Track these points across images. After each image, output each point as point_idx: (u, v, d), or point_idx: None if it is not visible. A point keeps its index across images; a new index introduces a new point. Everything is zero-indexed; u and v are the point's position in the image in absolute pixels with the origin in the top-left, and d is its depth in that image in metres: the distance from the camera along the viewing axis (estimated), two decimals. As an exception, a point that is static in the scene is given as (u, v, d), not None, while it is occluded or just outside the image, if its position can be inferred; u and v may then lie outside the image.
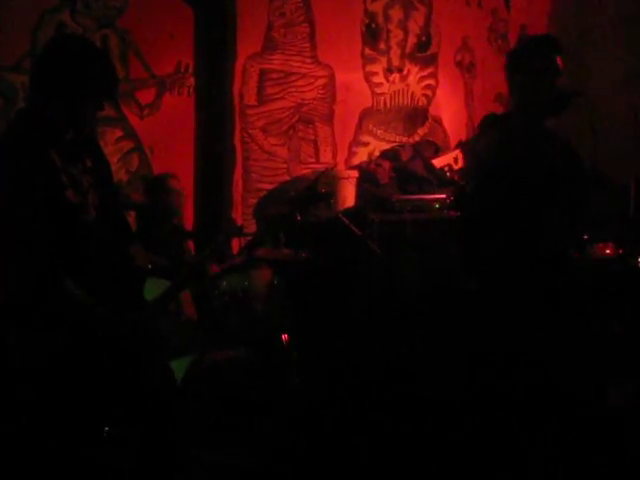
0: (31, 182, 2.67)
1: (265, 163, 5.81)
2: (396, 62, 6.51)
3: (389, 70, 6.48)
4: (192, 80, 5.53)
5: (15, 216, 2.65)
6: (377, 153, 6.34)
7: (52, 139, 2.78)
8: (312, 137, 6.04)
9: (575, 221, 3.51)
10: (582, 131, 3.57)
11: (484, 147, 3.47)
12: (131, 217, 4.85)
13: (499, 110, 7.02)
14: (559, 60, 3.47)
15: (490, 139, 3.44)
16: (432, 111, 6.76)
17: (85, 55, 2.86)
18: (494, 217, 3.40)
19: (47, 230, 2.67)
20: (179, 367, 3.88)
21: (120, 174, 5.19)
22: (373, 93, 6.41)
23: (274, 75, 5.85)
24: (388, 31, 6.46)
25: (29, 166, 2.68)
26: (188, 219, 5.40)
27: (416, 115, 6.65)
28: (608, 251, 5.41)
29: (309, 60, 6.01)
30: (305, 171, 5.94)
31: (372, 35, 6.37)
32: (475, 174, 3.56)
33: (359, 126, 6.32)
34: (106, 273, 2.87)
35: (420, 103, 6.67)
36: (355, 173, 5.90)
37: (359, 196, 5.79)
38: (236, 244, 5.44)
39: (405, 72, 6.57)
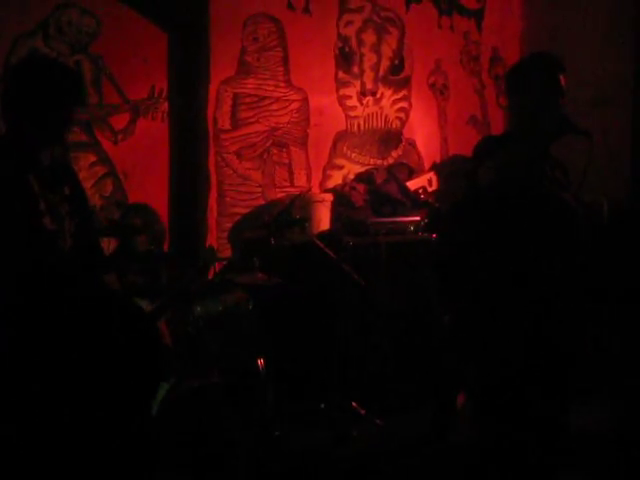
0: (7, 208, 2.66)
1: (240, 187, 5.81)
2: (369, 85, 6.55)
3: (363, 93, 6.51)
4: (166, 105, 5.52)
5: None
6: (351, 176, 6.36)
7: (30, 164, 2.78)
8: (286, 161, 6.05)
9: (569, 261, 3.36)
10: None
11: (484, 175, 3.20)
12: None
13: (472, 132, 7.10)
14: (562, 79, 3.20)
15: (491, 168, 3.16)
16: (406, 134, 6.79)
17: (43, 68, 2.89)
18: (479, 243, 3.29)
19: (21, 258, 2.66)
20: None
21: (94, 199, 5.16)
22: (347, 116, 6.44)
23: (248, 99, 5.86)
24: (361, 55, 6.50)
25: (6, 192, 2.67)
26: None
27: (390, 138, 6.68)
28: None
29: (283, 84, 6.03)
30: (280, 195, 5.95)
31: (345, 59, 6.41)
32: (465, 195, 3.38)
33: (333, 149, 6.34)
34: (82, 300, 2.86)
35: (394, 126, 6.71)
36: (330, 196, 5.91)
37: (334, 219, 5.80)
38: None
39: (379, 95, 6.60)
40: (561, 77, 3.20)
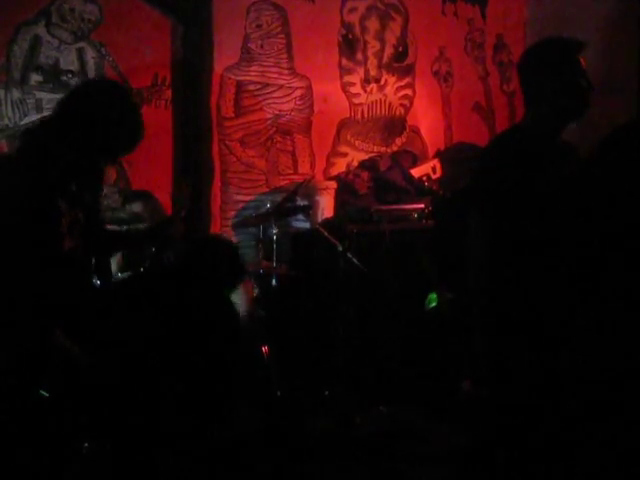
0: (32, 237, 2.66)
1: (243, 175, 5.81)
2: (373, 72, 6.52)
3: (366, 81, 6.49)
4: (169, 92, 5.52)
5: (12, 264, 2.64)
6: (355, 163, 6.34)
7: (63, 190, 2.75)
8: (290, 148, 6.04)
9: None
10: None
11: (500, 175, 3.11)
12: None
13: (476, 119, 7.09)
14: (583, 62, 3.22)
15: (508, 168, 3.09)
16: (410, 121, 6.77)
17: (117, 105, 2.87)
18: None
19: (39, 278, 2.66)
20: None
21: (97, 187, 5.17)
22: (351, 104, 6.42)
23: (251, 87, 5.85)
24: (365, 42, 6.47)
25: (35, 217, 2.67)
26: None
27: (394, 125, 6.66)
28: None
29: (286, 71, 6.01)
30: (283, 182, 5.95)
31: (349, 46, 6.39)
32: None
33: (337, 137, 6.33)
34: (82, 310, 2.87)
35: (398, 113, 6.69)
36: (333, 184, 5.91)
37: (337, 207, 5.80)
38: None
39: (382, 82, 6.58)
40: (582, 60, 3.20)
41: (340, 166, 6.32)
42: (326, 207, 5.70)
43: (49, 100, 5.00)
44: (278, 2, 5.96)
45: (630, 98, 6.73)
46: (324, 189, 5.80)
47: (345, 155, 6.37)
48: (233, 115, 5.77)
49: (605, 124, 6.64)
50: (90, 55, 5.22)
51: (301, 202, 5.52)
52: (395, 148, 6.62)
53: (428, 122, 6.89)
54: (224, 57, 5.71)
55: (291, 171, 6.04)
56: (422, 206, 5.57)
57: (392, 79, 6.64)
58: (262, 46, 5.90)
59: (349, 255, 4.81)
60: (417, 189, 6.01)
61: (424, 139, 6.85)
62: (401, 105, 6.70)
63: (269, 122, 5.93)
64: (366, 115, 6.51)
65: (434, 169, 6.28)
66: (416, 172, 6.18)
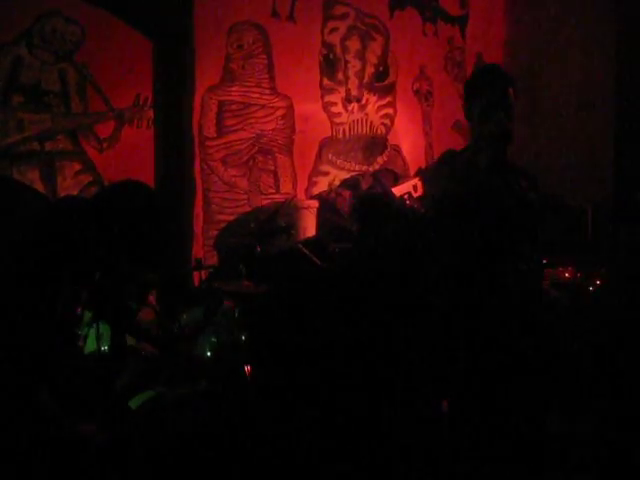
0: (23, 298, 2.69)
1: (225, 194, 5.82)
2: (354, 92, 6.57)
3: (348, 100, 6.53)
4: (151, 113, 5.53)
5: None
6: (337, 182, 6.37)
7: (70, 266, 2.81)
8: (272, 168, 6.06)
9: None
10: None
11: (435, 185, 3.49)
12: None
13: (456, 138, 7.14)
14: (510, 91, 3.37)
15: (441, 177, 3.41)
16: (391, 140, 6.82)
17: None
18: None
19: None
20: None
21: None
22: (332, 123, 6.46)
23: (233, 107, 5.87)
24: (346, 61, 6.52)
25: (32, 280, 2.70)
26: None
27: (375, 144, 6.70)
28: (567, 275, 5.50)
29: (268, 91, 6.04)
30: (265, 202, 5.96)
31: (330, 66, 6.43)
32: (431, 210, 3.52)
33: (319, 156, 6.36)
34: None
35: (379, 132, 6.73)
36: (315, 203, 5.93)
37: (320, 226, 5.81)
38: (195, 276, 5.44)
39: (364, 102, 6.63)
40: (509, 89, 3.38)
41: (322, 185, 6.35)
42: (308, 226, 5.72)
43: (31, 121, 5.00)
44: (259, 22, 5.99)
45: (607, 114, 6.81)
46: (306, 208, 5.82)
47: (327, 174, 6.40)
48: (215, 135, 5.78)
49: (583, 139, 6.76)
50: (72, 76, 5.22)
51: (283, 221, 5.53)
52: (376, 167, 6.67)
53: (409, 141, 6.94)
54: (206, 77, 5.72)
55: (273, 190, 6.06)
56: (403, 224, 5.60)
57: (373, 98, 6.69)
58: (244, 66, 5.92)
59: (330, 273, 4.82)
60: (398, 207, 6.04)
61: (405, 158, 6.90)
62: (382, 124, 6.75)
63: (251, 142, 5.95)
64: (347, 134, 6.55)
65: (415, 187, 6.31)
66: (397, 191, 6.21)
